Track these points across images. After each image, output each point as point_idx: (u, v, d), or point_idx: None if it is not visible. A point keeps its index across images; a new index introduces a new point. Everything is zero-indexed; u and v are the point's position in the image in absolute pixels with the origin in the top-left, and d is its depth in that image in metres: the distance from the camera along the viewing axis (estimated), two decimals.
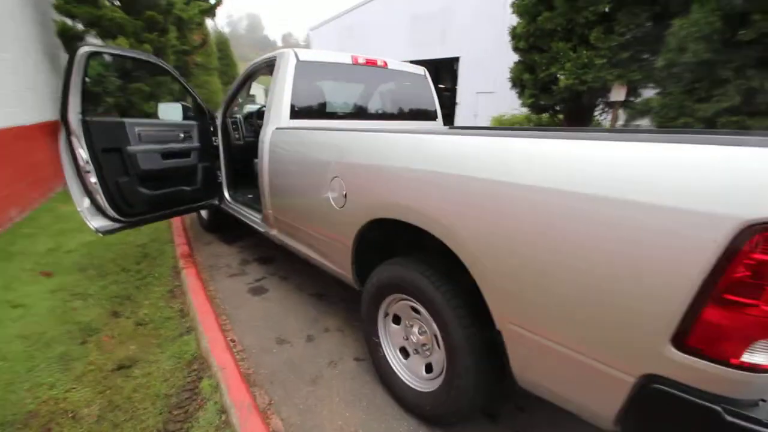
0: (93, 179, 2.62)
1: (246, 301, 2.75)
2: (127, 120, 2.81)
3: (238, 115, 3.71)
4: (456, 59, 15.26)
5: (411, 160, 1.49)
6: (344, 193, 1.84)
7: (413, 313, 1.69)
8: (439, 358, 1.59)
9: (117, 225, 2.81)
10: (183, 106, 3.30)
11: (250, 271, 3.27)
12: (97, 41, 5.99)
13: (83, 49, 2.44)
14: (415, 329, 1.71)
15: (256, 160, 3.47)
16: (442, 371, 1.57)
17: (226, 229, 4.10)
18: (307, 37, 22.57)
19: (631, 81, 6.82)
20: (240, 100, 3.43)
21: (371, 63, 2.99)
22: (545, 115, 9.00)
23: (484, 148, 1.26)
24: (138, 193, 2.86)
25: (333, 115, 2.89)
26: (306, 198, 2.20)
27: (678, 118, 6.05)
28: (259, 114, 4.06)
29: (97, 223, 2.72)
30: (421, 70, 3.37)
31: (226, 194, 3.57)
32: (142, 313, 2.49)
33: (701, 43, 5.31)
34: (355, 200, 1.80)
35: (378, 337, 1.87)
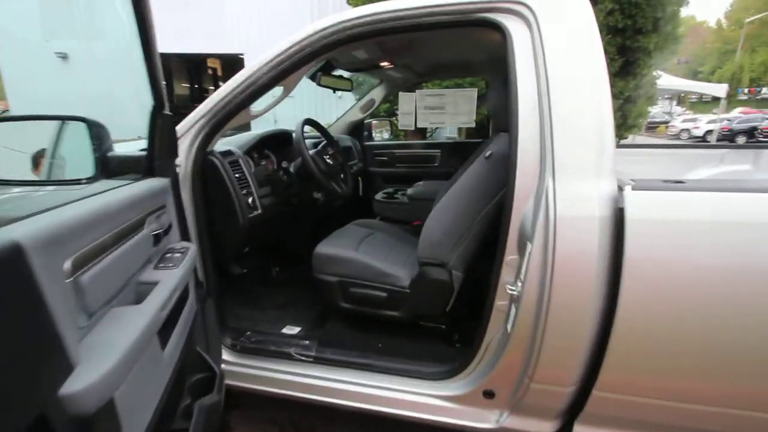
0: None
1: None
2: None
3: (234, 149, 1.63)
4: (240, 57, 13.88)
5: None
6: None
7: None
8: None
9: None
10: (89, 124, 1.10)
11: None
12: None
13: None
14: None
15: (321, 251, 1.62)
16: None
17: None
18: None
19: None
20: (254, 113, 1.49)
21: None
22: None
23: None
24: None
25: None
26: None
27: None
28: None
29: None
30: None
31: (225, 354, 1.46)
32: None
33: None
34: None
35: None
